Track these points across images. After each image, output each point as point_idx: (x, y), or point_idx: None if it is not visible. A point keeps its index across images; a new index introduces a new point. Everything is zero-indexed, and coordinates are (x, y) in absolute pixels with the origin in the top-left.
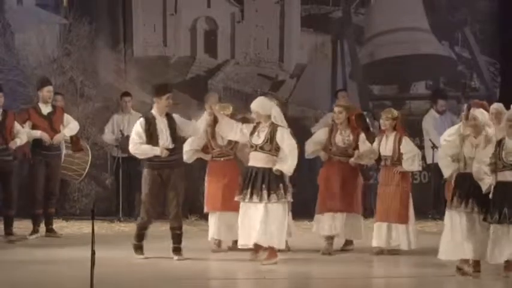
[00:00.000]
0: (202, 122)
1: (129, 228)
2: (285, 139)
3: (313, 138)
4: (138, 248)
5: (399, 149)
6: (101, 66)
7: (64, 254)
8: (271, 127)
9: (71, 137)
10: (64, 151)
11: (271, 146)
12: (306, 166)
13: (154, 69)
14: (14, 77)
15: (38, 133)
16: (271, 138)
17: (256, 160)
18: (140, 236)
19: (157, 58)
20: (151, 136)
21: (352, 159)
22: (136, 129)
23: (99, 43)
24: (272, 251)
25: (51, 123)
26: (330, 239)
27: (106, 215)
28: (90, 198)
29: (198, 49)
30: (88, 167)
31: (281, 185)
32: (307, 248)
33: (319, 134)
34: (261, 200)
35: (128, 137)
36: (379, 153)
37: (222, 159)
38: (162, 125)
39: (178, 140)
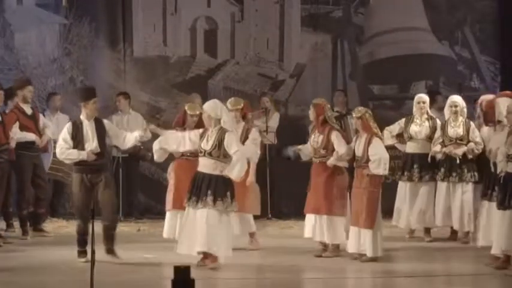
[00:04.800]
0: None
1: (129, 228)
2: (233, 145)
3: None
4: (82, 253)
5: (368, 150)
6: (101, 66)
7: (64, 254)
8: (219, 132)
9: None
10: (53, 151)
11: (220, 152)
12: (306, 165)
13: (154, 69)
14: (14, 77)
15: (33, 136)
16: (219, 144)
17: (204, 166)
18: (81, 241)
19: (157, 58)
20: (78, 141)
21: (329, 161)
22: (63, 135)
23: (99, 43)
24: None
25: (36, 124)
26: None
27: None
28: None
29: (198, 49)
30: None
31: (228, 193)
32: (307, 248)
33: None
34: (204, 206)
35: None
36: (354, 154)
37: (192, 158)
38: (89, 129)
39: (105, 144)
